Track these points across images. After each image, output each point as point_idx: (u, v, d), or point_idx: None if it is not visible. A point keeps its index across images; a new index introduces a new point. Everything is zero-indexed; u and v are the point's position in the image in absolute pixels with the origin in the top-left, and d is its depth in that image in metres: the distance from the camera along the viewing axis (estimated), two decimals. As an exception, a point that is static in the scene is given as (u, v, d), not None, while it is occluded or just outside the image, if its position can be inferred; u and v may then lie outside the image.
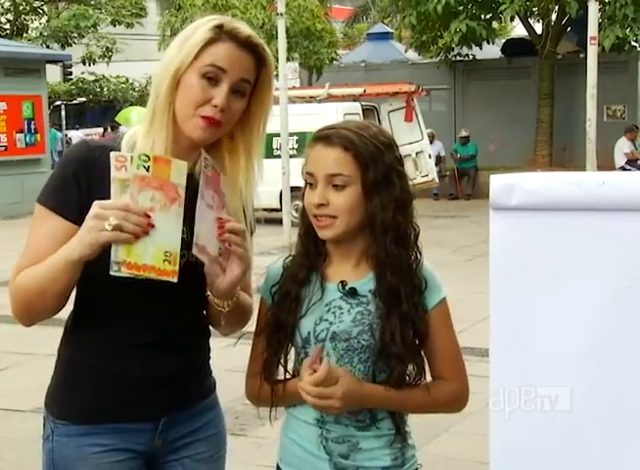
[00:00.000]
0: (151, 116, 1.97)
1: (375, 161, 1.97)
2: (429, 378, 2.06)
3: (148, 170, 1.79)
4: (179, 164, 1.84)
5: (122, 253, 1.77)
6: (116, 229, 1.75)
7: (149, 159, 1.79)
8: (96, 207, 1.79)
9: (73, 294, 1.99)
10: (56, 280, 1.88)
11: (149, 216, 1.78)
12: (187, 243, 1.87)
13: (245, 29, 1.97)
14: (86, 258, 1.83)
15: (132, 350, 1.99)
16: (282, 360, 2.06)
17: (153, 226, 1.79)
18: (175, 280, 1.81)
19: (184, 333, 2.04)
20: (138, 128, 2.01)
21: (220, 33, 1.94)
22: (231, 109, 1.94)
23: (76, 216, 1.91)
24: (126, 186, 1.80)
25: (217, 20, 1.96)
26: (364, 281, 2.02)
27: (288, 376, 2.07)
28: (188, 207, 1.85)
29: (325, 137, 1.99)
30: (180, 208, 1.83)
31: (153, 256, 1.79)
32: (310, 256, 2.05)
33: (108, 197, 1.86)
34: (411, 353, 1.99)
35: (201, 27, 1.95)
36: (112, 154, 1.82)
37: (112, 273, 1.78)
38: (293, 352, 2.07)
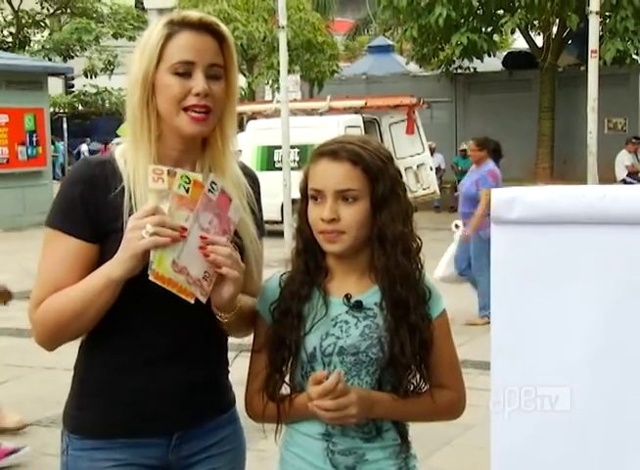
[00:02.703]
0: (131, 130, 1.98)
1: (382, 174, 1.98)
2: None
3: (187, 191, 1.85)
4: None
5: (155, 262, 1.82)
6: (154, 235, 1.79)
7: (189, 181, 1.85)
8: (131, 220, 1.83)
9: None
10: (95, 301, 1.89)
11: (185, 229, 1.83)
12: None
13: (194, 14, 1.99)
14: (130, 274, 1.85)
15: (145, 365, 1.99)
16: (286, 378, 2.04)
17: (185, 237, 1.83)
18: (192, 301, 1.87)
19: (199, 348, 2.04)
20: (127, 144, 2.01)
21: (173, 26, 1.96)
22: (213, 93, 1.95)
23: (90, 235, 1.94)
24: (163, 197, 1.84)
25: (166, 17, 1.99)
26: (368, 294, 2.02)
27: (292, 392, 2.05)
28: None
29: (331, 152, 1.98)
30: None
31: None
32: (311, 271, 2.04)
33: (114, 212, 1.91)
34: (417, 363, 2.00)
35: (154, 30, 1.97)
36: (149, 167, 1.86)
37: (148, 272, 1.83)
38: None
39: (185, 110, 1.94)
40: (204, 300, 1.89)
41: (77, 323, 1.93)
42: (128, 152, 1.98)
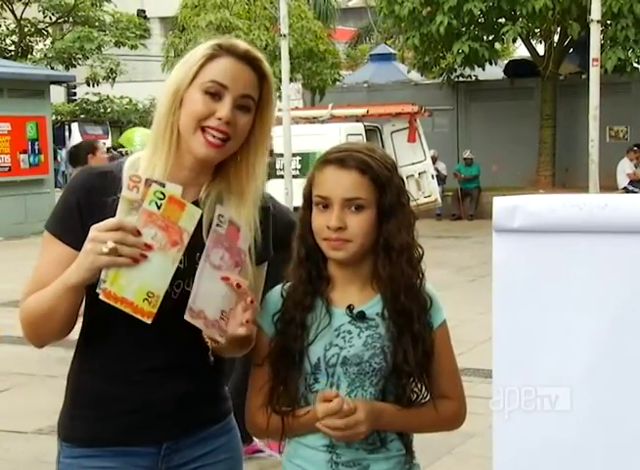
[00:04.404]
0: (153, 139, 1.98)
1: (389, 183, 1.98)
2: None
3: (159, 208, 1.78)
4: (192, 210, 1.82)
5: (108, 281, 1.77)
6: (113, 252, 1.76)
7: (164, 197, 1.78)
8: (93, 230, 1.80)
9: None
10: (58, 305, 1.89)
11: (149, 247, 1.78)
12: (182, 271, 1.87)
13: (243, 45, 1.99)
14: (86, 282, 1.84)
15: (137, 375, 1.99)
16: (290, 389, 2.02)
17: (146, 257, 1.77)
18: (149, 322, 1.80)
19: (192, 358, 2.02)
20: (142, 154, 2.01)
21: (218, 49, 1.96)
22: (237, 123, 1.94)
23: (80, 244, 1.91)
24: (133, 208, 1.78)
25: (217, 39, 1.99)
26: (370, 304, 2.02)
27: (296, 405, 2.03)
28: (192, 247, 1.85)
29: (339, 160, 1.98)
30: (179, 253, 1.81)
31: (135, 291, 1.78)
32: (313, 280, 2.03)
33: None
34: (420, 372, 2.00)
35: (200, 48, 1.98)
36: (126, 173, 1.85)
37: (97, 291, 1.78)
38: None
39: (203, 130, 1.92)
40: (223, 340, 1.86)
41: (48, 324, 1.93)
42: (142, 163, 1.97)
